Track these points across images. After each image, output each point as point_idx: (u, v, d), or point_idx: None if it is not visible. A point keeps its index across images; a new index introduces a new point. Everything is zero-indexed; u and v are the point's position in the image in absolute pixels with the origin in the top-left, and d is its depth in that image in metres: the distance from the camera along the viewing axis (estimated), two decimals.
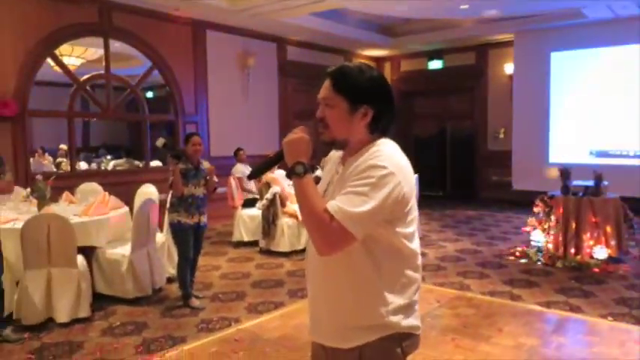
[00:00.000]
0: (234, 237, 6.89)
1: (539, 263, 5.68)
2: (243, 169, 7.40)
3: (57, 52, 7.01)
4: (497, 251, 6.36)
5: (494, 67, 10.53)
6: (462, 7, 7.53)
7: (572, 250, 5.63)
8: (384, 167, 1.36)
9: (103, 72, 7.45)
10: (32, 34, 6.53)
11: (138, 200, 4.89)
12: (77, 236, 4.24)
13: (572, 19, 8.52)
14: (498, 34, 9.85)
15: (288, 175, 1.41)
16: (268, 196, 6.32)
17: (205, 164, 4.58)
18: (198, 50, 8.50)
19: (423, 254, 6.27)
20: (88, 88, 7.33)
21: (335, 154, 1.64)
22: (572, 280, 5.07)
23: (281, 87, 9.97)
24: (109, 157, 10.07)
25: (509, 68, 10.06)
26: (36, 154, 9.31)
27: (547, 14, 8.51)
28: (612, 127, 8.73)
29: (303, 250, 6.06)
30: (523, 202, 7.94)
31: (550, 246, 5.80)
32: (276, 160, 1.56)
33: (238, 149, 7.73)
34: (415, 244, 1.48)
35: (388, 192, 1.34)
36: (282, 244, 6.27)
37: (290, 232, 6.30)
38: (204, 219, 4.56)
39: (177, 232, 4.48)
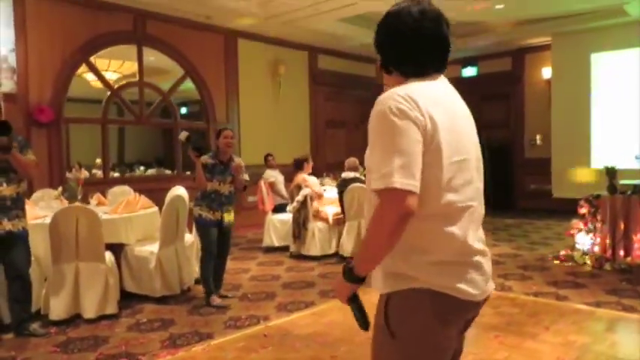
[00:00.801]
0: (264, 242, 6.77)
1: (585, 266, 5.34)
2: (274, 174, 7.32)
3: (93, 61, 7.13)
4: (538, 255, 6.03)
5: (532, 72, 10.23)
6: (497, 6, 7.34)
7: (622, 252, 5.27)
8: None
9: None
10: (69, 42, 6.67)
11: (168, 198, 4.84)
12: (106, 233, 4.20)
13: (614, 18, 8.19)
14: (535, 38, 9.57)
15: None
16: (299, 198, 6.19)
17: (237, 160, 4.46)
18: (230, 59, 8.54)
19: None
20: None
21: None
22: (623, 282, 4.73)
23: (312, 95, 9.92)
24: (142, 167, 10.16)
25: (547, 72, 9.75)
26: (73, 169, 9.45)
27: (587, 14, 8.21)
28: None
29: (334, 255, 6.00)
30: (564, 210, 7.57)
31: (597, 248, 5.46)
32: None
33: (268, 155, 7.69)
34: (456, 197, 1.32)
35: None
36: (313, 248, 6.12)
37: (321, 235, 6.15)
38: (228, 217, 4.41)
39: (200, 226, 4.39)
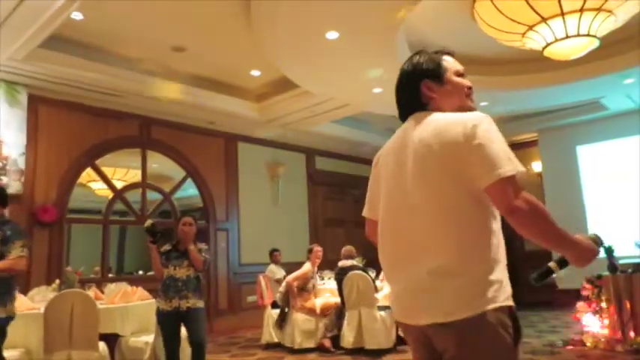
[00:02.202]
0: (263, 339, 6.55)
1: (597, 349, 5.15)
2: (275, 270, 7.29)
3: (98, 165, 7.43)
4: (547, 342, 5.81)
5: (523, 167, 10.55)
6: (481, 103, 7.80)
7: (632, 333, 5.11)
8: None
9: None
10: (76, 145, 7.01)
11: None
12: (101, 322, 4.14)
13: (594, 112, 8.68)
14: (522, 134, 10.03)
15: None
16: (281, 288, 6.31)
17: (201, 246, 4.20)
18: (230, 160, 8.90)
19: None
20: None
21: None
22: None
23: (310, 195, 10.16)
24: (140, 272, 10.11)
25: (537, 166, 10.07)
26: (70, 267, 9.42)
27: (568, 109, 8.70)
28: None
29: (312, 350, 5.78)
30: (571, 302, 7.42)
31: (606, 331, 5.29)
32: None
33: (274, 250, 7.69)
34: None
35: None
36: (289, 339, 6.07)
37: (303, 326, 6.06)
38: (187, 304, 3.95)
39: (158, 320, 4.08)
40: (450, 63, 1.70)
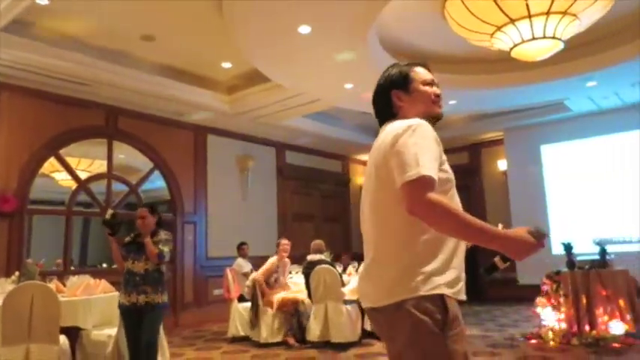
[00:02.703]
0: (229, 332, 6.53)
1: (553, 342, 5.32)
2: (243, 264, 7.26)
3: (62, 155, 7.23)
4: (508, 335, 5.98)
5: (488, 165, 10.79)
6: (450, 102, 7.93)
7: (587, 327, 5.30)
8: None
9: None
10: (39, 134, 6.80)
11: None
12: (62, 316, 4.05)
13: (558, 113, 8.92)
14: (489, 133, 10.24)
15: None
16: (248, 283, 6.29)
17: (162, 236, 4.03)
18: (199, 153, 8.80)
19: None
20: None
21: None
22: (590, 355, 4.71)
23: (279, 189, 10.13)
24: (104, 265, 9.92)
25: (502, 165, 10.30)
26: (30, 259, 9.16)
27: (533, 109, 8.92)
28: (613, 214, 8.70)
29: (279, 344, 5.79)
30: (532, 298, 7.63)
31: (563, 325, 5.47)
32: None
33: (242, 243, 7.64)
34: None
35: None
36: (257, 334, 6.07)
37: (270, 320, 6.08)
38: (145, 299, 3.86)
39: (120, 314, 4.01)
40: (418, 74, 1.85)
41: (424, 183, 1.49)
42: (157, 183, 8.81)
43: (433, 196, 1.49)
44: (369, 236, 1.75)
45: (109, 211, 4.10)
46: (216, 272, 7.93)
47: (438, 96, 1.83)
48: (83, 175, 7.67)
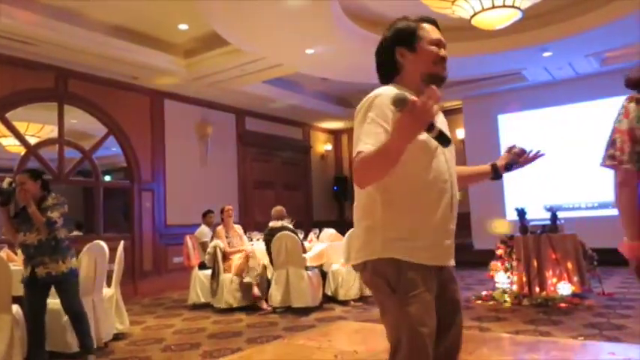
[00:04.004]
0: (190, 299, 6.51)
1: (505, 303, 5.55)
2: (206, 232, 7.17)
3: (8, 118, 6.89)
4: (463, 297, 6.15)
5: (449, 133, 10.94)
6: None
7: (537, 289, 5.55)
8: None
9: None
10: None
11: (85, 248, 4.60)
12: (15, 285, 3.91)
13: (515, 83, 9.09)
14: (448, 102, 10.36)
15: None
16: (209, 250, 6.25)
17: (50, 201, 3.82)
18: (156, 119, 8.55)
19: None
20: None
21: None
22: (539, 314, 4.95)
23: (240, 156, 10.01)
24: None
25: (460, 133, 10.49)
26: None
27: (491, 79, 9.06)
28: (565, 182, 9.05)
29: (240, 309, 5.82)
30: (487, 262, 7.91)
31: (514, 287, 5.72)
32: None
33: (208, 211, 7.52)
34: None
35: None
36: (219, 300, 6.07)
37: (233, 287, 6.07)
38: (45, 270, 3.74)
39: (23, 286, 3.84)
40: (426, 31, 1.75)
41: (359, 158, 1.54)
42: (111, 149, 8.55)
43: (356, 160, 1.53)
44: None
45: (7, 180, 3.78)
46: (176, 240, 7.84)
47: (443, 58, 1.74)
48: (32, 141, 7.35)
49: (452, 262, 1.76)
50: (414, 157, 1.57)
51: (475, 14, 5.17)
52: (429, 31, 1.76)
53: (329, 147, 12.41)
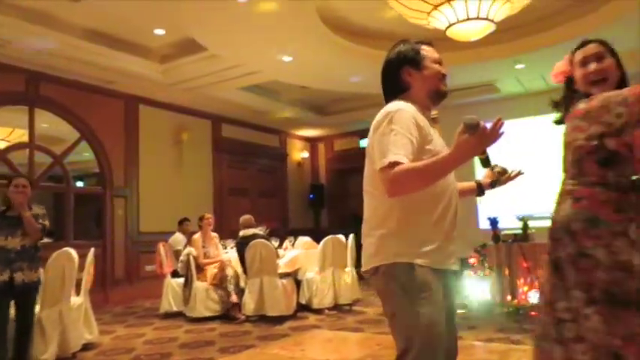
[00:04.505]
0: (162, 308, 6.40)
1: (477, 311, 5.61)
2: (180, 240, 7.09)
3: None
4: None
5: None
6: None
7: (509, 297, 5.63)
8: None
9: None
10: None
11: (53, 255, 4.49)
12: None
13: (489, 94, 9.25)
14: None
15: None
16: (182, 258, 6.16)
17: (37, 210, 3.86)
18: (131, 124, 8.42)
19: (363, 312, 6.08)
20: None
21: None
22: (511, 322, 5.02)
23: (215, 163, 9.93)
24: None
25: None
26: None
27: (468, 89, 9.19)
28: (536, 192, 9.20)
29: (214, 318, 5.74)
30: (460, 270, 8.02)
31: (487, 295, 5.78)
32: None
33: (184, 219, 7.47)
34: None
35: None
36: (191, 309, 5.96)
37: (206, 295, 6.00)
38: (23, 276, 3.68)
39: None
40: (428, 51, 1.91)
41: (392, 167, 1.62)
42: (84, 155, 8.38)
43: (395, 170, 1.61)
44: (364, 205, 1.88)
45: None
46: (149, 248, 7.70)
47: (444, 75, 1.91)
48: (1, 145, 7.17)
49: (456, 267, 1.85)
50: None
51: (450, 26, 5.24)
52: (430, 51, 1.92)
53: (305, 155, 12.41)
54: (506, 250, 5.81)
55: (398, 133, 1.69)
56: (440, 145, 1.84)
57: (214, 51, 6.90)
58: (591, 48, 1.96)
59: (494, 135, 1.59)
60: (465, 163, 1.68)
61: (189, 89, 8.23)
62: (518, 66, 7.70)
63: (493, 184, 2.21)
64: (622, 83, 1.92)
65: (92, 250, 5.15)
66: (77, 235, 7.74)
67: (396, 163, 1.62)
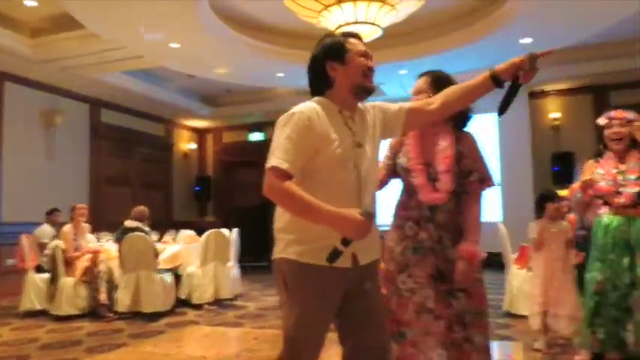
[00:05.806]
0: (22, 306, 5.81)
1: None
2: (49, 232, 6.51)
3: None
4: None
5: None
6: (277, 74, 8.03)
7: None
8: None
9: None
10: None
11: None
12: None
13: (376, 97, 9.59)
14: None
15: None
16: (47, 251, 5.75)
17: None
18: None
19: (244, 307, 6.05)
20: None
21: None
22: None
23: (93, 150, 9.27)
24: None
25: None
26: None
27: None
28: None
29: (82, 316, 5.40)
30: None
31: None
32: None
33: (54, 209, 6.87)
34: None
35: None
36: (57, 307, 5.55)
37: (75, 292, 5.60)
38: None
39: None
40: (353, 44, 1.84)
41: (274, 172, 1.65)
42: None
43: (275, 182, 1.64)
44: None
45: None
46: (11, 239, 6.98)
47: (370, 69, 1.83)
48: None
49: (347, 265, 1.71)
50: (326, 169, 1.75)
51: (339, 27, 5.37)
52: (356, 44, 1.85)
53: (193, 146, 12.05)
54: None
55: (288, 137, 1.68)
56: (349, 145, 1.75)
57: (92, 30, 6.42)
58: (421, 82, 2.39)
59: (365, 232, 1.60)
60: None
61: (64, 68, 7.58)
62: (402, 71, 8.10)
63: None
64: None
65: None
66: None
67: (275, 169, 1.64)
